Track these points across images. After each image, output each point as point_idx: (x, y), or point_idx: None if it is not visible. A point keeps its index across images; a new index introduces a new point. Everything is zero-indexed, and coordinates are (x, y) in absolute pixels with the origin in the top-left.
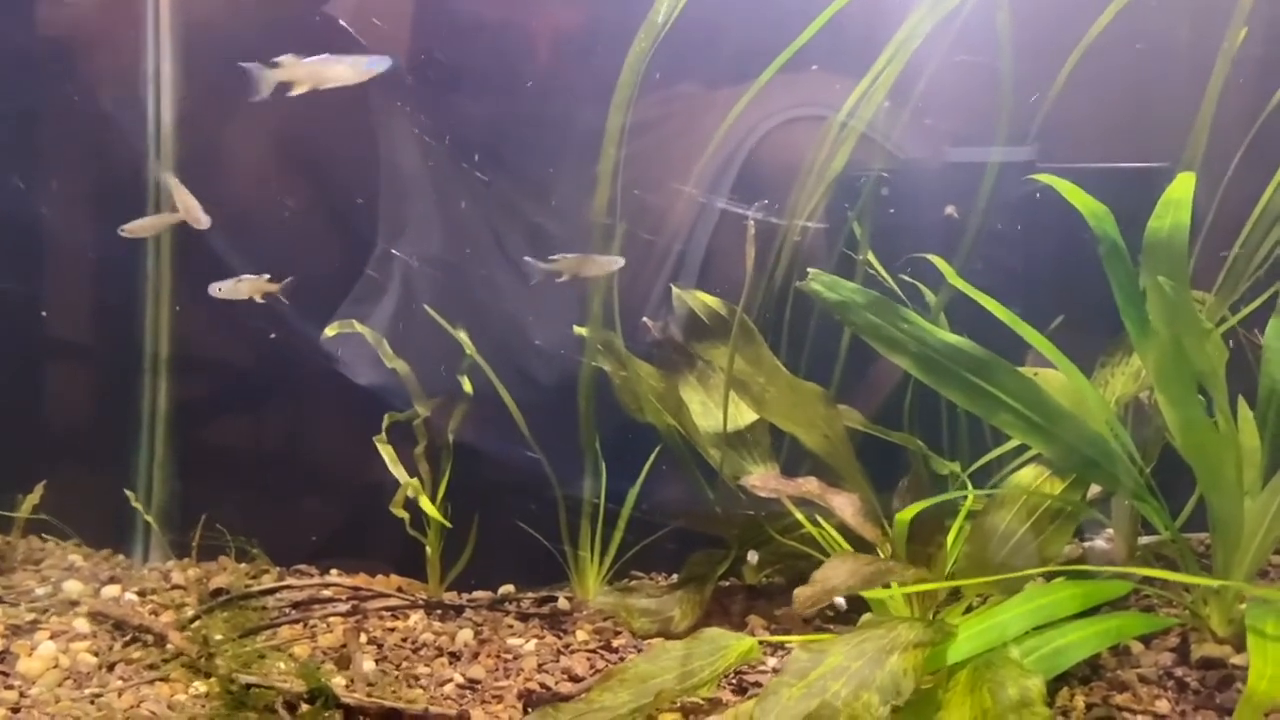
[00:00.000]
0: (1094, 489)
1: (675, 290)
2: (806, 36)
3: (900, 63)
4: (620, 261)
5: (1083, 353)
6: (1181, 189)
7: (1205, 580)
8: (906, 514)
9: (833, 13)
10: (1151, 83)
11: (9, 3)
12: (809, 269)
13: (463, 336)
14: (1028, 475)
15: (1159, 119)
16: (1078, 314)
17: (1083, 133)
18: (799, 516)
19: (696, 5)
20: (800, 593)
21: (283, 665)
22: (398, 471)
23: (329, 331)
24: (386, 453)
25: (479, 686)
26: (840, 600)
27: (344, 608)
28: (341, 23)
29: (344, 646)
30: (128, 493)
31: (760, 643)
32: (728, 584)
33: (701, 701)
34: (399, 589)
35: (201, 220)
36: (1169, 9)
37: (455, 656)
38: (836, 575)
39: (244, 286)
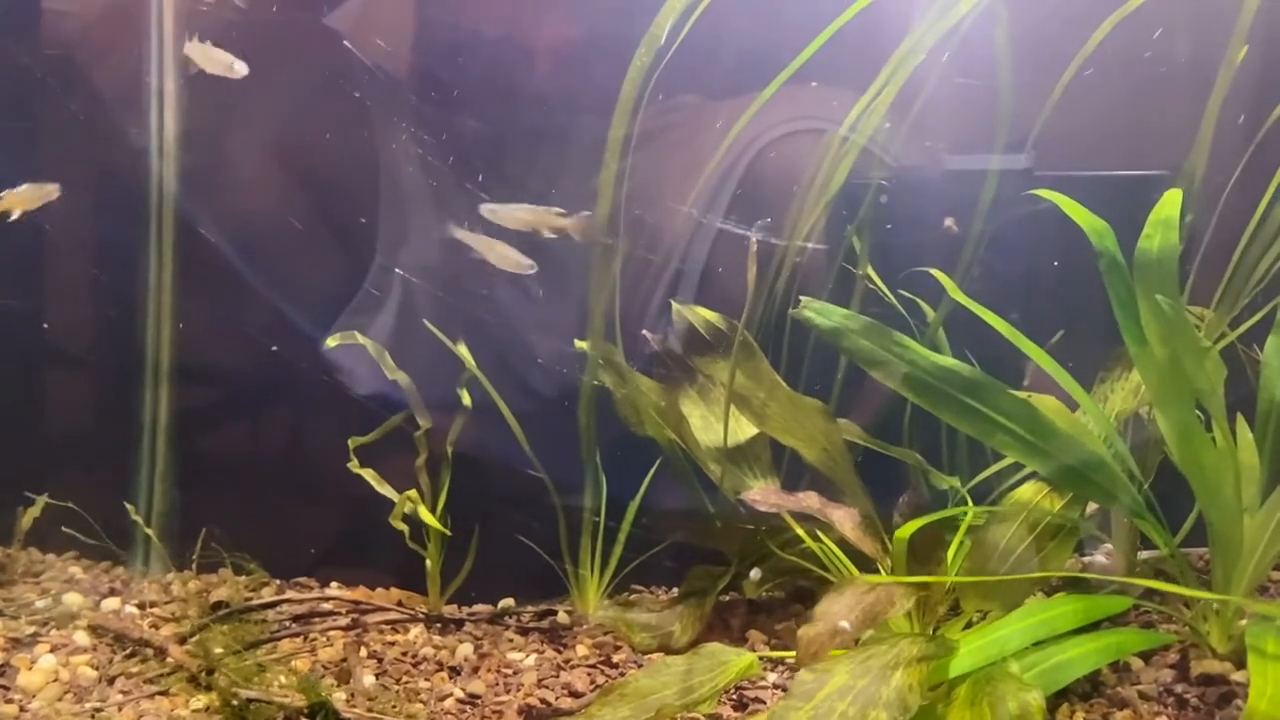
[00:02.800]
0: (1094, 505)
1: (675, 305)
2: (813, 49)
3: (902, 76)
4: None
5: (1085, 363)
6: (1169, 207)
7: (1204, 594)
8: (906, 531)
9: (840, 25)
10: (1154, 92)
11: (12, 18)
12: (801, 296)
13: (463, 350)
14: (1028, 491)
15: (1161, 129)
16: (1080, 324)
17: (1083, 141)
18: (799, 531)
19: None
20: (804, 634)
21: (283, 679)
22: (386, 491)
23: (331, 342)
24: (369, 475)
25: (479, 701)
26: (845, 625)
27: (344, 621)
28: (345, 42)
29: (344, 660)
30: (127, 505)
31: (760, 658)
32: (728, 598)
33: (702, 717)
34: (399, 602)
35: (524, 264)
36: (1170, 21)
37: (455, 671)
38: (838, 609)
39: None
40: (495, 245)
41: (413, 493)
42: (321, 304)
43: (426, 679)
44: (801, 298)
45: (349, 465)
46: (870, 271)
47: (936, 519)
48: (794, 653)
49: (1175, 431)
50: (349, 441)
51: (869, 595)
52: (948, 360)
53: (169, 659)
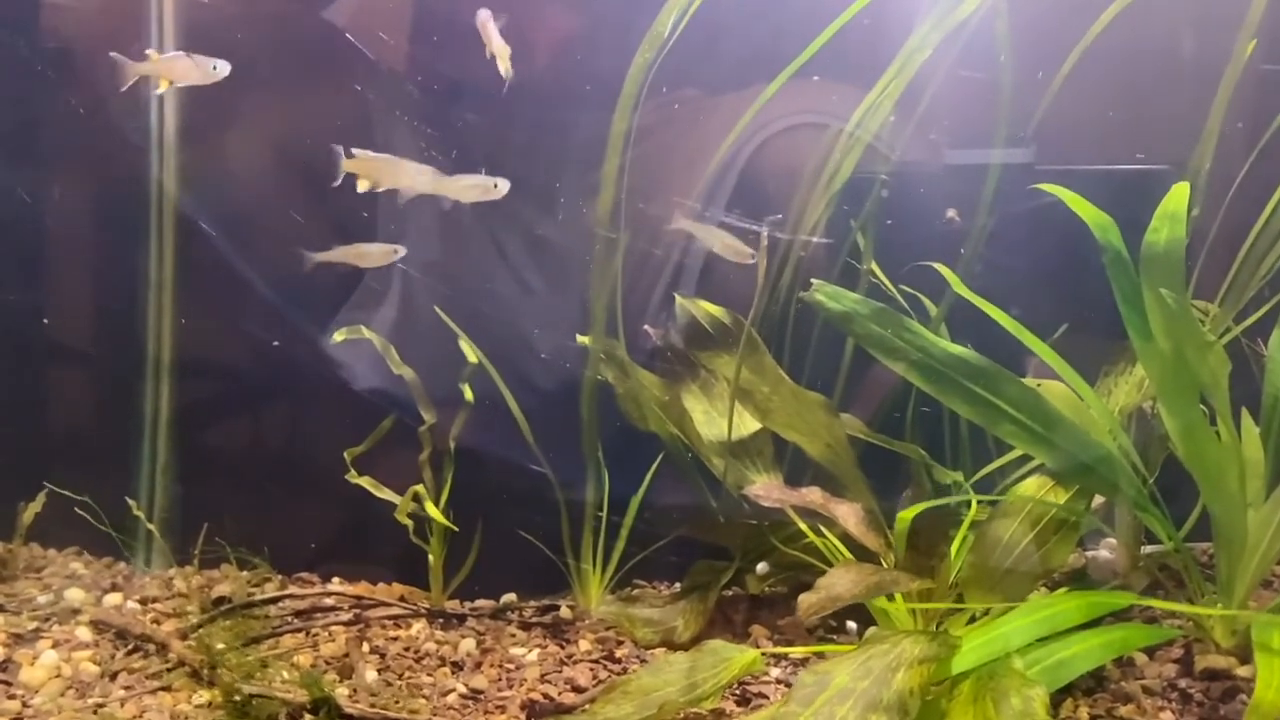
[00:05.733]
0: (1097, 499)
1: (678, 299)
2: (818, 44)
3: (909, 73)
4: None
5: (1087, 359)
6: (1176, 201)
7: (1210, 611)
8: (907, 513)
9: (844, 21)
10: (1160, 87)
11: (12, 12)
12: (812, 280)
13: (469, 344)
14: (1031, 485)
15: (1167, 124)
16: (1083, 319)
17: (1088, 134)
18: (802, 526)
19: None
20: (804, 599)
21: (285, 675)
22: (385, 495)
23: (336, 337)
24: (366, 483)
25: (482, 697)
26: (851, 625)
27: (346, 616)
28: (347, 35)
29: (346, 656)
30: (129, 500)
31: (763, 654)
32: (731, 594)
33: (705, 713)
34: (401, 598)
35: (745, 254)
36: (1177, 16)
37: (458, 666)
38: (841, 583)
39: None
40: (719, 234)
41: (419, 488)
42: (322, 298)
43: (429, 674)
44: (813, 280)
45: (347, 477)
46: (874, 266)
47: (939, 508)
48: (797, 648)
49: (1180, 426)
50: (345, 454)
51: (873, 576)
52: (957, 348)
53: (171, 654)
